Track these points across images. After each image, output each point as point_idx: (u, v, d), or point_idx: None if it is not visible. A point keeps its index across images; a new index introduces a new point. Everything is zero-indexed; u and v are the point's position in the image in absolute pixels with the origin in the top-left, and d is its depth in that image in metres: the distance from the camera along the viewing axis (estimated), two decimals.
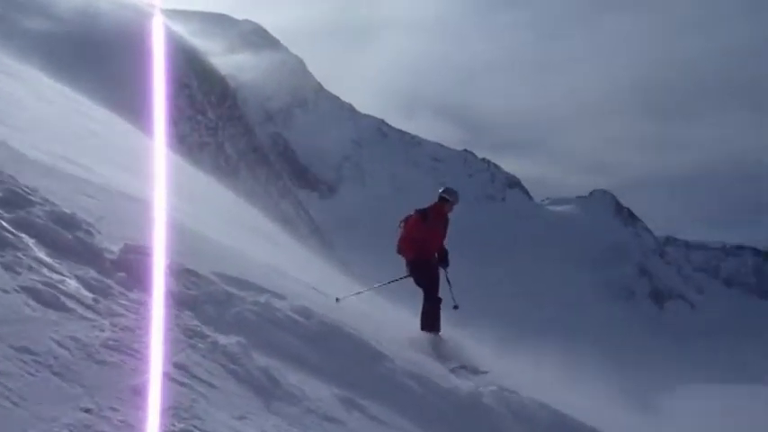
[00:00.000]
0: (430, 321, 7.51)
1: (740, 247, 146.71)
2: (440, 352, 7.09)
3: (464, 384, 5.70)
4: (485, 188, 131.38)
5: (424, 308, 7.60)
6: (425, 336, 7.42)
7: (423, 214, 7.69)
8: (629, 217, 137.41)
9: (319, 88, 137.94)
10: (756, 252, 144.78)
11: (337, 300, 7.53)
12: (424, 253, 7.66)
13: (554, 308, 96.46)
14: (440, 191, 7.89)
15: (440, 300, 7.60)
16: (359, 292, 8.36)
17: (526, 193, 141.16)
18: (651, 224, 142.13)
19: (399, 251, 7.78)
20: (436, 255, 7.84)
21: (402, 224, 7.81)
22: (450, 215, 7.90)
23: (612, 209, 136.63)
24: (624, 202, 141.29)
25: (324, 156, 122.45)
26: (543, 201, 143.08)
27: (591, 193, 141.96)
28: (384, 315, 8.93)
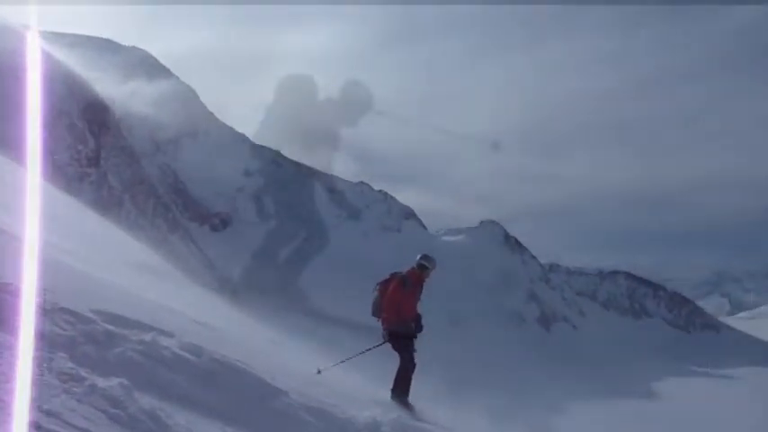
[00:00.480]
0: (401, 385, 7.61)
1: (615, 272, 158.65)
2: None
3: (361, 415, 5.67)
4: (382, 219, 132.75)
5: (399, 371, 7.71)
6: (395, 398, 7.49)
7: (402, 280, 7.84)
8: (516, 245, 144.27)
9: (212, 118, 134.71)
10: (629, 276, 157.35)
11: (319, 371, 7.44)
12: (402, 319, 7.78)
13: (453, 338, 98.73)
14: (418, 257, 8.07)
15: (415, 366, 7.71)
16: (341, 362, 8.17)
17: (421, 224, 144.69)
18: (536, 252, 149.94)
19: (375, 314, 7.90)
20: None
21: (378, 287, 7.97)
22: (427, 281, 8.06)
23: (501, 238, 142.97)
24: (511, 231, 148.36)
25: (216, 187, 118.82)
26: (437, 231, 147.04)
27: (480, 224, 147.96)
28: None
